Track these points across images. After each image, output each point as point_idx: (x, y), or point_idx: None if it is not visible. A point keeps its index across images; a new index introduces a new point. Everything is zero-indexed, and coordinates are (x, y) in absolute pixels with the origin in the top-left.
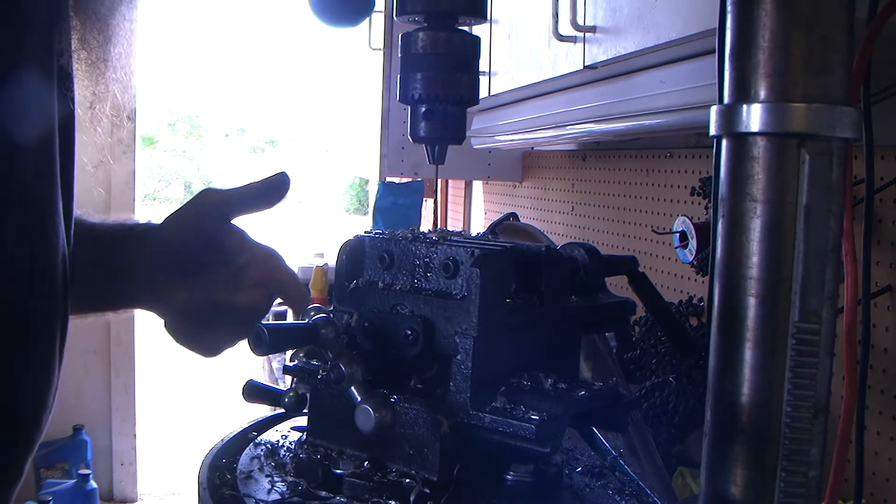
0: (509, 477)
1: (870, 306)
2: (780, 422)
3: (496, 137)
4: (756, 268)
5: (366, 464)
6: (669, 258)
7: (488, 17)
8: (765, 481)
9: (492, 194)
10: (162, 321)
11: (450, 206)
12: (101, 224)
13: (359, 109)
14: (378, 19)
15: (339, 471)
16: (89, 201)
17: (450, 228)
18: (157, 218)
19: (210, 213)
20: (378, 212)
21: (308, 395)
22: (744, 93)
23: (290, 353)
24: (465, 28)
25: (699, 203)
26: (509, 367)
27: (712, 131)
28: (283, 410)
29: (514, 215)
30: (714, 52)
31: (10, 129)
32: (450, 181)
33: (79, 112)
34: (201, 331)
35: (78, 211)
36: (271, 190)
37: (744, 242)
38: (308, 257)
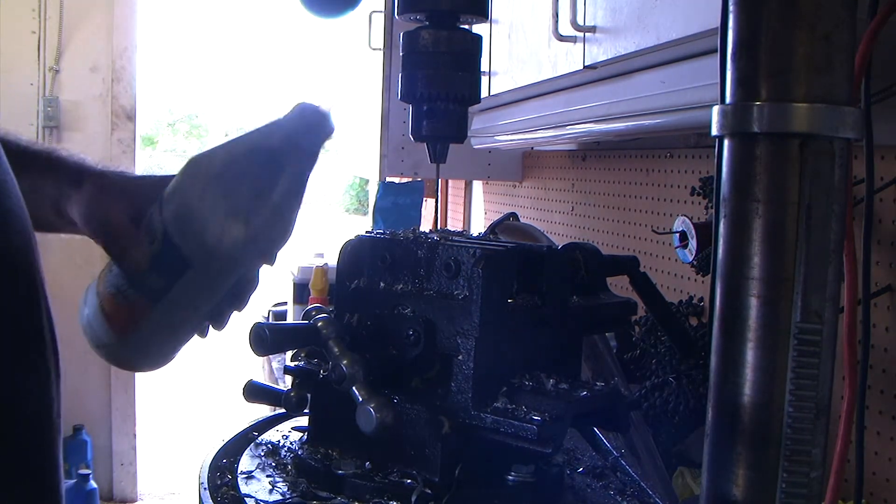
0: (511, 477)
1: (870, 306)
2: (782, 422)
3: (496, 137)
4: (758, 268)
5: (367, 464)
6: (669, 258)
7: (489, 17)
8: (766, 482)
9: (492, 194)
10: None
11: (450, 206)
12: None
13: (359, 109)
14: (378, 19)
15: (340, 471)
16: None
17: (450, 228)
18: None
19: None
20: (378, 212)
21: (309, 396)
22: (746, 93)
23: (290, 353)
24: (466, 27)
25: (699, 203)
26: (511, 367)
27: (714, 131)
28: (283, 410)
29: (514, 215)
30: (715, 51)
31: None
32: (450, 181)
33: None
34: None
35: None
36: None
37: (745, 242)
38: (308, 257)
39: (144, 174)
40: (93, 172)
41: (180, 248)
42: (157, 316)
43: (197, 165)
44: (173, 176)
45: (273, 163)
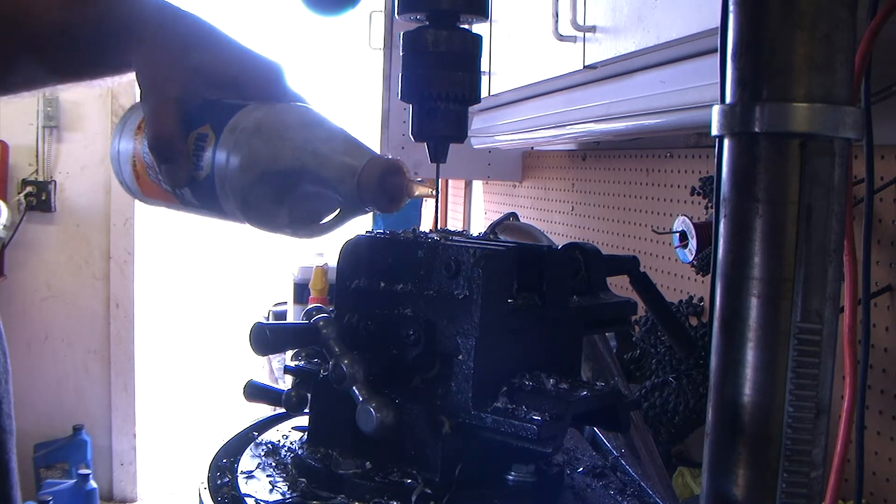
0: (511, 477)
1: (870, 306)
2: (782, 422)
3: (496, 137)
4: (758, 268)
5: (367, 464)
6: (669, 258)
7: (489, 17)
8: (766, 481)
9: (492, 194)
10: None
11: (450, 206)
12: None
13: (359, 109)
14: (378, 19)
15: (340, 471)
16: (90, 201)
17: (450, 228)
18: None
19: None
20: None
21: (309, 396)
22: (746, 92)
23: (290, 353)
24: (466, 27)
25: (699, 203)
26: (511, 367)
27: (714, 131)
28: (283, 410)
29: (514, 215)
30: (715, 51)
31: None
32: (450, 181)
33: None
34: None
35: None
36: None
37: (746, 242)
38: (308, 257)
39: (205, 31)
40: (149, 23)
41: (219, 200)
42: (181, 208)
43: (269, 139)
44: (236, 55)
45: (333, 203)
